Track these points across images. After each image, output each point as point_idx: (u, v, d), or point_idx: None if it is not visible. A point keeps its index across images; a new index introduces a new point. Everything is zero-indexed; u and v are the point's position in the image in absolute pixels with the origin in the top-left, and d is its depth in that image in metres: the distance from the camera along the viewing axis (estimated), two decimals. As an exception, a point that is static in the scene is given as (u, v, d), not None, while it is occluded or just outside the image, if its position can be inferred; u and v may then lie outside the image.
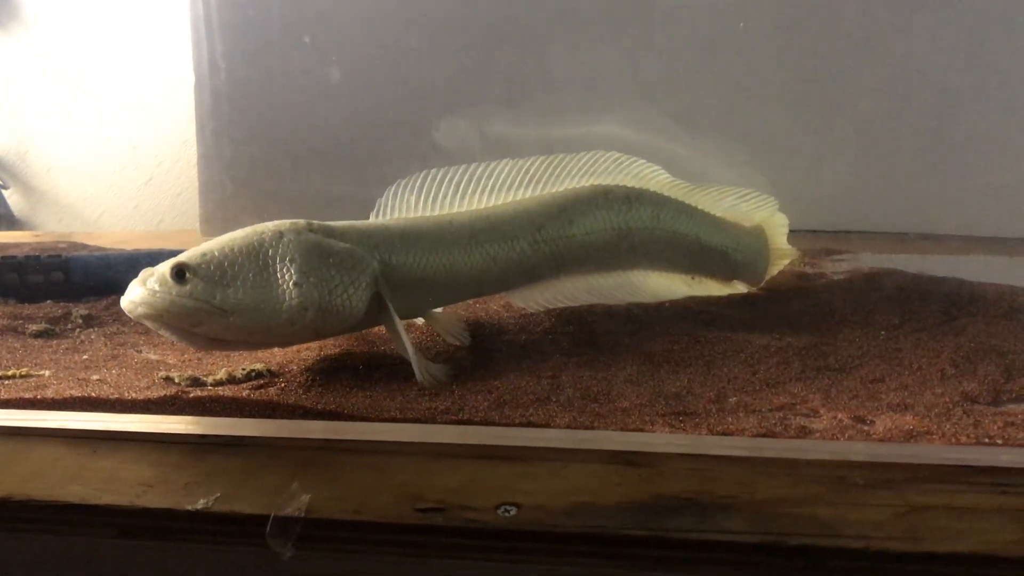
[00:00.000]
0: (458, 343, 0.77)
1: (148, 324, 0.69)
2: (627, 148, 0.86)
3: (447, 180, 0.79)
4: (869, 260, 1.04)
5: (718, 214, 0.90)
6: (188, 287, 0.66)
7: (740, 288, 0.92)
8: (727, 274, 0.91)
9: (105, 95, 1.54)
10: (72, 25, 1.53)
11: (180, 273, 0.67)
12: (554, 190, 0.83)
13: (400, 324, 0.71)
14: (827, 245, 1.10)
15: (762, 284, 0.94)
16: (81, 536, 0.55)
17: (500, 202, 0.81)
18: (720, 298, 0.90)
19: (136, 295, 0.67)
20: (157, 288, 0.66)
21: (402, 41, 1.19)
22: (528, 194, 0.82)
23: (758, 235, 0.93)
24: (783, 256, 0.95)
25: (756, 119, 1.19)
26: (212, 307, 0.66)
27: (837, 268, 1.01)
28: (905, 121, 1.18)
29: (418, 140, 1.14)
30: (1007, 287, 0.89)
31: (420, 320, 0.82)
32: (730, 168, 0.99)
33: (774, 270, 0.95)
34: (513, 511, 0.51)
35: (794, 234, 0.97)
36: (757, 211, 0.93)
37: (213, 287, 0.67)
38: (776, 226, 0.94)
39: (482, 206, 0.80)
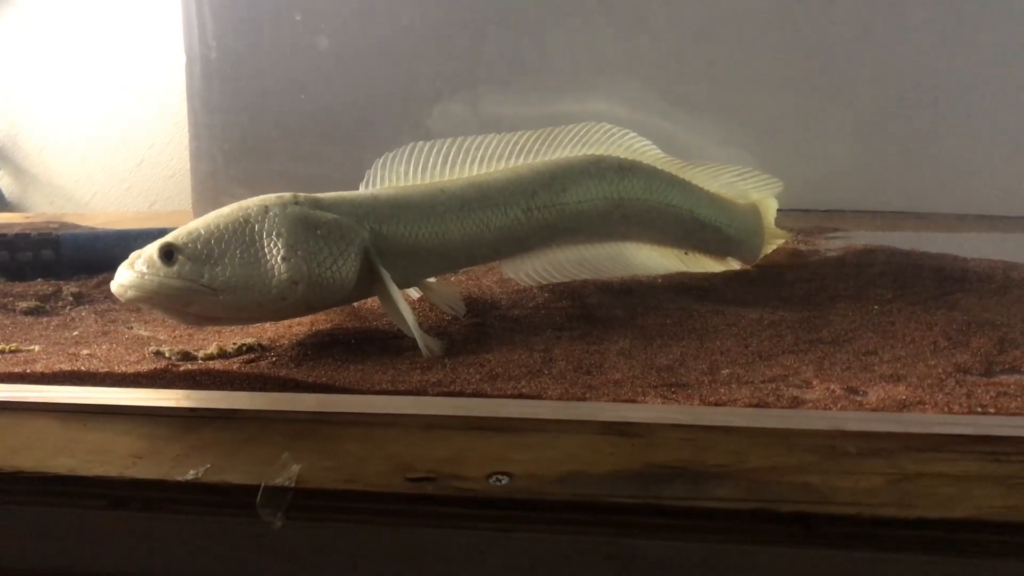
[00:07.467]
0: (454, 313, 0.77)
1: (140, 305, 0.69)
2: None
3: (436, 151, 0.78)
4: (862, 238, 1.04)
5: (713, 191, 0.90)
6: (176, 267, 0.66)
7: (734, 265, 0.92)
8: (721, 250, 0.91)
9: (97, 77, 1.53)
10: (63, 7, 1.52)
11: (168, 253, 0.66)
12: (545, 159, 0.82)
13: (397, 292, 0.70)
14: (820, 223, 1.10)
15: (756, 262, 0.94)
16: (70, 508, 0.54)
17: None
18: (713, 273, 0.90)
19: (125, 278, 0.67)
20: (145, 270, 0.66)
21: (394, 17, 1.19)
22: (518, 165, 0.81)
23: (753, 213, 0.93)
24: (777, 236, 0.95)
25: (751, 100, 1.19)
26: (201, 286, 0.66)
27: (830, 245, 1.01)
28: (898, 101, 1.18)
29: (410, 114, 1.14)
30: (1000, 263, 0.89)
31: (413, 293, 0.82)
32: (720, 147, 0.99)
33: (768, 249, 0.95)
34: (505, 480, 0.51)
35: (787, 213, 0.97)
36: (754, 190, 0.92)
37: (201, 266, 0.66)
38: (770, 207, 0.94)
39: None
